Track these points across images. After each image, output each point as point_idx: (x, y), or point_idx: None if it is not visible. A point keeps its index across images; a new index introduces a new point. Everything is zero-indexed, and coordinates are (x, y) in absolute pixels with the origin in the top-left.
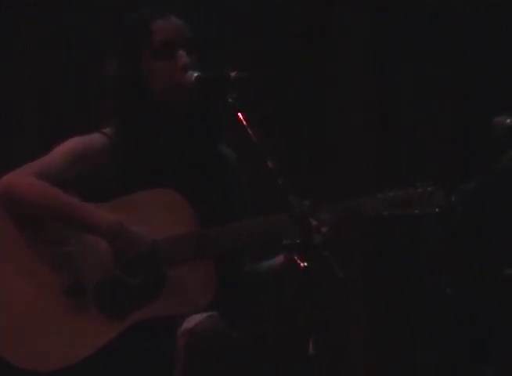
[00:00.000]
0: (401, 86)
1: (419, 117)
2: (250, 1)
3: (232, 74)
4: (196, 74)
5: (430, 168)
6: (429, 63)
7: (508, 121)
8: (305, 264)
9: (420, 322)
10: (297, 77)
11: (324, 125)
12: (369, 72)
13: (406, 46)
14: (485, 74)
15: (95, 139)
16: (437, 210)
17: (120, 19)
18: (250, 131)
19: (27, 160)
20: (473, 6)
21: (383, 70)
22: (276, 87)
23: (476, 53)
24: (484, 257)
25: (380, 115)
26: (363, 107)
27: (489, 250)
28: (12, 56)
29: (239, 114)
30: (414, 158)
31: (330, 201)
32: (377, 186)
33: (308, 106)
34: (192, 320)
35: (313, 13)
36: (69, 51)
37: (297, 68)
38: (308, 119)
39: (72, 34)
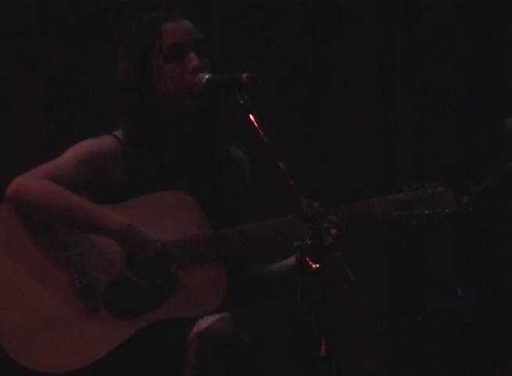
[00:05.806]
0: (403, 86)
1: (421, 118)
2: (250, 2)
3: (244, 75)
4: (207, 76)
5: (432, 169)
6: (431, 65)
7: None
8: (317, 265)
9: (430, 323)
10: (297, 78)
11: (324, 126)
12: (371, 72)
13: (407, 47)
14: (487, 75)
15: (105, 141)
16: (447, 210)
17: (129, 21)
18: (262, 133)
19: (33, 163)
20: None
21: (385, 71)
22: (276, 88)
23: (477, 54)
24: (493, 258)
25: (381, 116)
26: (365, 109)
27: (499, 250)
28: (20, 55)
29: (251, 116)
30: (415, 160)
31: (338, 203)
32: (379, 188)
33: (309, 106)
34: (204, 322)
35: (316, 13)
36: (75, 51)
37: (298, 68)
38: (308, 119)
39: (80, 35)
